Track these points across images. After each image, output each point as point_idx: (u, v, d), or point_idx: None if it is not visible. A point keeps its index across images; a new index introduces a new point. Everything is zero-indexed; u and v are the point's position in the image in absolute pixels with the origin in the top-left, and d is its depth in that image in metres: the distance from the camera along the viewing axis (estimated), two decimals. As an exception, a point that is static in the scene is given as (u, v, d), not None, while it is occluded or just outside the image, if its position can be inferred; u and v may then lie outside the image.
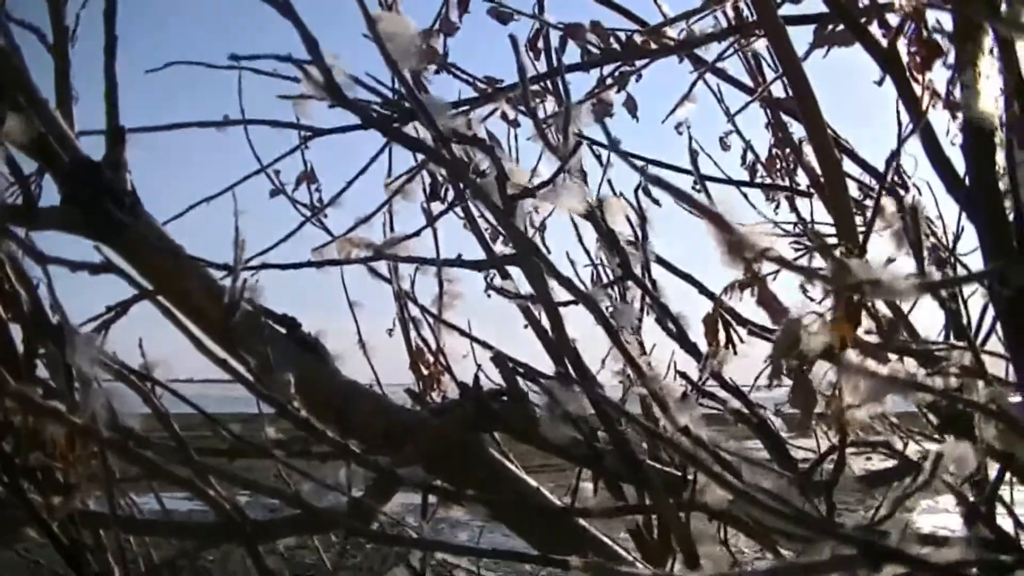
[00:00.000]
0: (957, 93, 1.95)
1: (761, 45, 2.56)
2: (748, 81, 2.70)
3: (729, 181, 2.94)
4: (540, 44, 2.50)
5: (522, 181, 1.75)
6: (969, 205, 1.89)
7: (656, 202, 2.74)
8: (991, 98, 1.80)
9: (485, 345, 2.30)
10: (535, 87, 2.41)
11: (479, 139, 1.78)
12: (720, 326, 1.88)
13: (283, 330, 2.16)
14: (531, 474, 2.24)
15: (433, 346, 2.54)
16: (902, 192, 2.16)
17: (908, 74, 1.80)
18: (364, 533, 2.14)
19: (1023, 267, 1.29)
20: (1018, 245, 1.90)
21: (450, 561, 2.81)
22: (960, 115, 1.83)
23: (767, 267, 1.97)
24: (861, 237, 1.86)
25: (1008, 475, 1.97)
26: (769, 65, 2.68)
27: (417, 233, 2.02)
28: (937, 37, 1.83)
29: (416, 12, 2.57)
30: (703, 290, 2.06)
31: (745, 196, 2.97)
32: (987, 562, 1.50)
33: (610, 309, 1.86)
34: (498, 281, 2.18)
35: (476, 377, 2.13)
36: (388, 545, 2.17)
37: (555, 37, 2.50)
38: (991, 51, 1.76)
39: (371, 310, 2.69)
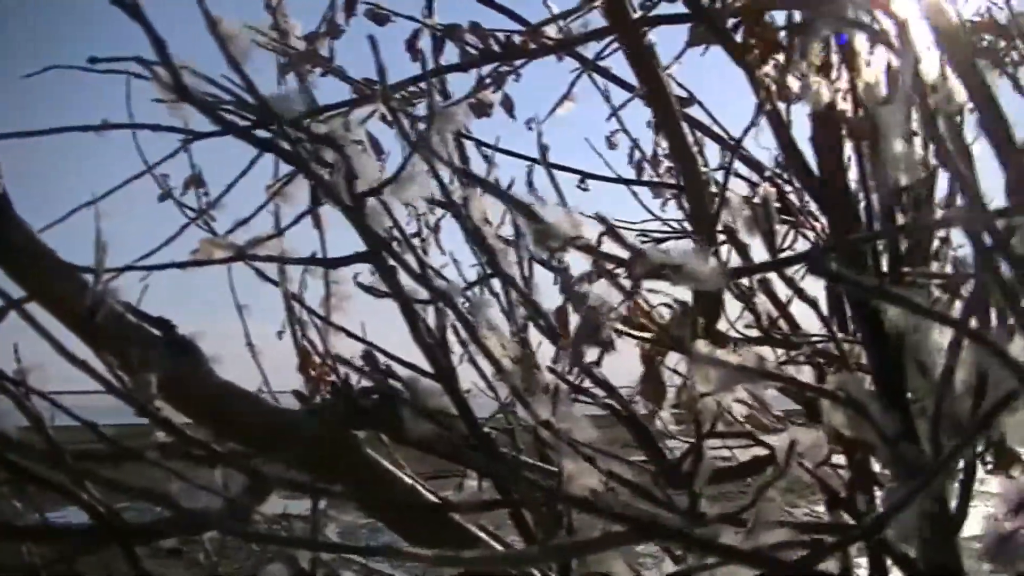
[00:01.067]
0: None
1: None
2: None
3: (614, 179, 2.97)
4: (419, 45, 2.52)
5: (373, 179, 1.77)
6: (818, 197, 1.92)
7: (540, 198, 2.77)
8: (837, 91, 1.83)
9: (371, 345, 2.31)
10: (413, 88, 2.42)
11: (329, 138, 1.79)
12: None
13: (157, 332, 2.16)
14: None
15: (321, 347, 2.54)
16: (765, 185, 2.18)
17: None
18: (239, 533, 2.14)
19: (831, 257, 1.31)
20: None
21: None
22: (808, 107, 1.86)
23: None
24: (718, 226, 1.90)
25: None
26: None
27: (280, 233, 2.02)
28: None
29: (303, 14, 2.56)
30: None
31: (635, 194, 3.00)
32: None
33: (467, 306, 1.88)
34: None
35: (347, 376, 2.14)
36: (263, 544, 2.18)
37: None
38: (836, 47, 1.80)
39: (266, 312, 2.69)
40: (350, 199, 1.73)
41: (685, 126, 2.58)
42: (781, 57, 1.82)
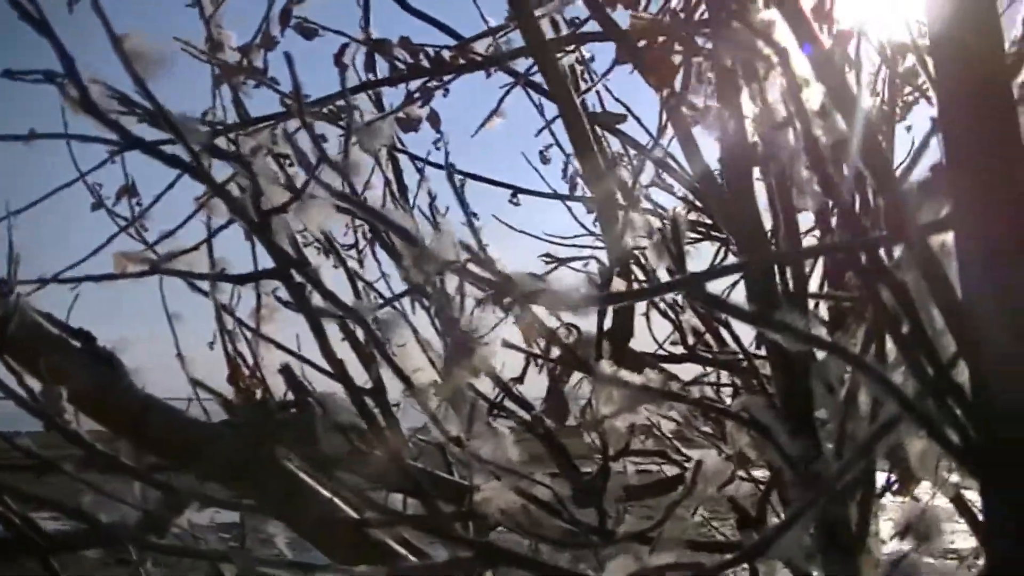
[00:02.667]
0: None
1: (572, 59, 2.60)
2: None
3: (546, 194, 2.98)
4: (347, 59, 2.52)
5: (279, 198, 1.77)
6: (725, 217, 1.93)
7: (474, 215, 2.78)
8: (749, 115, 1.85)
9: (300, 357, 2.31)
10: (341, 102, 2.43)
11: (238, 155, 1.80)
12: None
13: (77, 343, 2.16)
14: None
15: (251, 359, 2.54)
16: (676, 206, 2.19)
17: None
18: (155, 546, 2.14)
19: (703, 282, 1.32)
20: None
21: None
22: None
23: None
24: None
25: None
26: (584, 78, 2.72)
27: (196, 247, 2.02)
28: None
29: (240, 25, 2.57)
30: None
31: (569, 208, 3.01)
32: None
33: (376, 322, 1.89)
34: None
35: (265, 389, 2.14)
36: (179, 557, 2.18)
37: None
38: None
39: (200, 322, 2.69)
40: (256, 216, 1.74)
41: (617, 143, 2.61)
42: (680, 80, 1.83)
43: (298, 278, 1.78)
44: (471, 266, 1.31)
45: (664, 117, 1.97)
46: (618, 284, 1.72)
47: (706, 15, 1.69)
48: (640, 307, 2.66)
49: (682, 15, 1.81)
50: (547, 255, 2.90)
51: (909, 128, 2.76)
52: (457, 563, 1.47)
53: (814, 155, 1.38)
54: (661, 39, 1.73)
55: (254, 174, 1.73)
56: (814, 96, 1.38)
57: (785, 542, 1.45)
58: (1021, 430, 1.23)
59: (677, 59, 1.80)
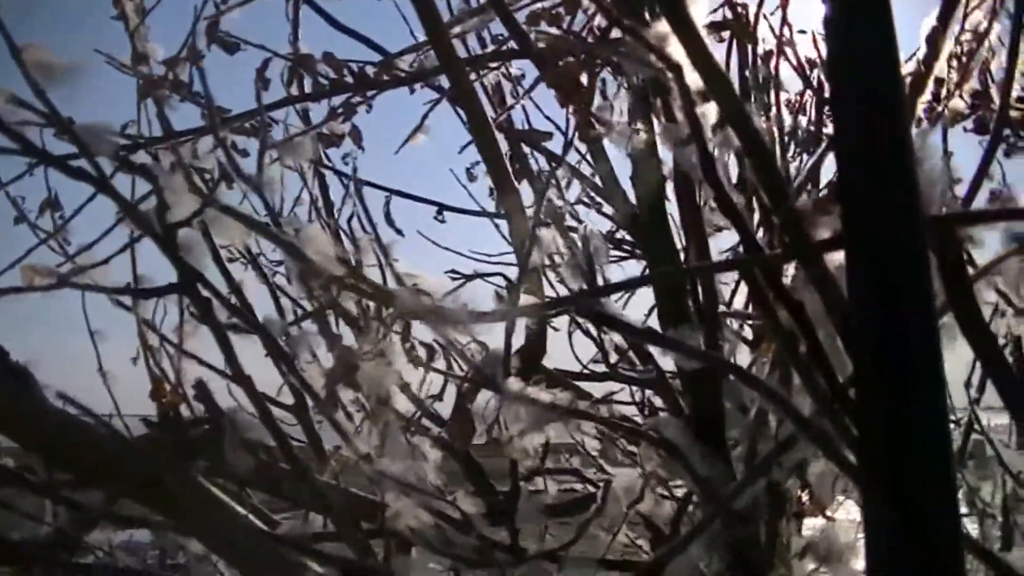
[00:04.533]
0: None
1: (496, 76, 2.60)
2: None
3: (471, 211, 2.97)
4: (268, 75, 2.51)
5: (187, 211, 1.75)
6: (634, 233, 1.93)
7: (399, 232, 2.77)
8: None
9: (222, 373, 2.28)
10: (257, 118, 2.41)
11: (145, 169, 1.78)
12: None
13: (-12, 359, 2.13)
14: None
15: (173, 375, 2.52)
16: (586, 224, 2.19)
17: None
18: (64, 564, 2.11)
19: (594, 298, 1.31)
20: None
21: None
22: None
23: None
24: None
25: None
26: (513, 94, 2.71)
27: (106, 261, 2.00)
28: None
29: (164, 38, 2.54)
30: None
31: (496, 227, 3.00)
32: None
33: (285, 339, 1.87)
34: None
35: (175, 406, 2.12)
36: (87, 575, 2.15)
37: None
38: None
39: (124, 338, 2.66)
40: (162, 230, 1.72)
41: (540, 160, 2.60)
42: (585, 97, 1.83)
43: (204, 292, 1.76)
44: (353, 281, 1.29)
45: (573, 133, 1.97)
46: (526, 301, 1.71)
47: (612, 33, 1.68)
48: (562, 326, 2.66)
49: (596, 33, 1.80)
50: (453, 271, 2.89)
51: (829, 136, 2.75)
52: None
53: (710, 172, 1.37)
54: (567, 57, 1.73)
55: (159, 188, 1.71)
56: (710, 112, 1.37)
57: (683, 560, 1.44)
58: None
59: (585, 76, 1.79)
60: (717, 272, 1.81)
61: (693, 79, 1.35)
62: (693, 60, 1.29)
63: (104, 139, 1.77)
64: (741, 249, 1.78)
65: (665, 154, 1.87)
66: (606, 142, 2.01)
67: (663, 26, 1.34)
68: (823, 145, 2.09)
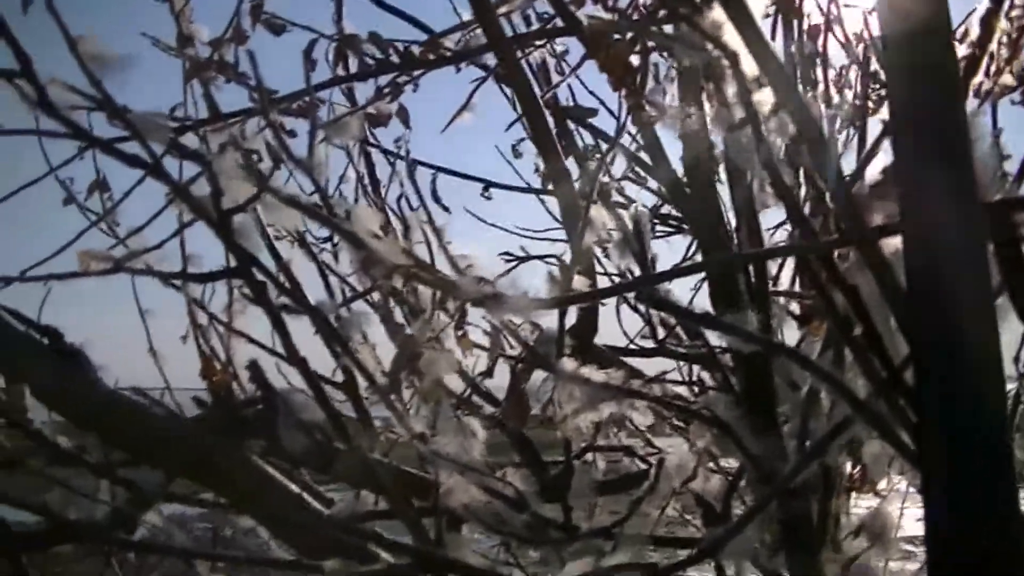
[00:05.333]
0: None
1: (542, 54, 2.60)
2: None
3: (518, 188, 2.97)
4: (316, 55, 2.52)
5: (241, 195, 1.76)
6: (687, 215, 1.93)
7: (446, 209, 2.78)
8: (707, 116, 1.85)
9: (272, 351, 2.31)
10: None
11: (197, 153, 1.79)
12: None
13: (44, 340, 2.16)
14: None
15: (223, 354, 2.54)
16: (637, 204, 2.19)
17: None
18: (121, 543, 2.15)
19: (654, 284, 1.33)
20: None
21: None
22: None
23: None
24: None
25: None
26: (558, 71, 2.71)
27: (160, 245, 2.02)
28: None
29: (209, 19, 2.57)
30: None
31: (542, 202, 3.01)
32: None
33: (338, 320, 1.89)
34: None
35: (230, 386, 2.14)
36: (147, 554, 2.18)
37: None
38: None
39: (173, 317, 2.69)
40: (217, 215, 1.73)
41: (585, 136, 2.61)
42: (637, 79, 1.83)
43: (259, 276, 1.78)
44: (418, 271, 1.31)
45: (626, 116, 1.97)
46: (579, 283, 1.72)
47: (662, 16, 1.68)
48: (609, 301, 2.66)
49: (644, 13, 1.80)
50: (507, 253, 2.90)
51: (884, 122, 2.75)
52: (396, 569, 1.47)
53: (766, 159, 1.37)
54: (617, 39, 1.73)
55: (213, 172, 1.72)
56: (766, 99, 1.38)
57: (739, 541, 1.46)
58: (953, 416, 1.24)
59: (636, 59, 1.80)
60: (773, 258, 1.81)
61: (749, 66, 1.35)
62: (750, 48, 1.29)
63: (157, 125, 1.78)
64: (791, 230, 1.78)
65: (716, 137, 1.88)
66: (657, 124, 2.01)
67: (719, 14, 1.34)
68: (879, 131, 2.08)
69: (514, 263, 2.87)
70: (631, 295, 1.73)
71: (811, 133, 1.31)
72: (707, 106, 1.78)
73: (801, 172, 1.44)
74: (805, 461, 1.46)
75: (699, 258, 2.21)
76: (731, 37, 1.34)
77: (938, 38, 1.31)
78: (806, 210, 1.40)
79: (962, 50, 1.77)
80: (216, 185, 1.73)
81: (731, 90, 1.38)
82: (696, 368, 2.66)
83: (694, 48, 1.46)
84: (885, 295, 1.35)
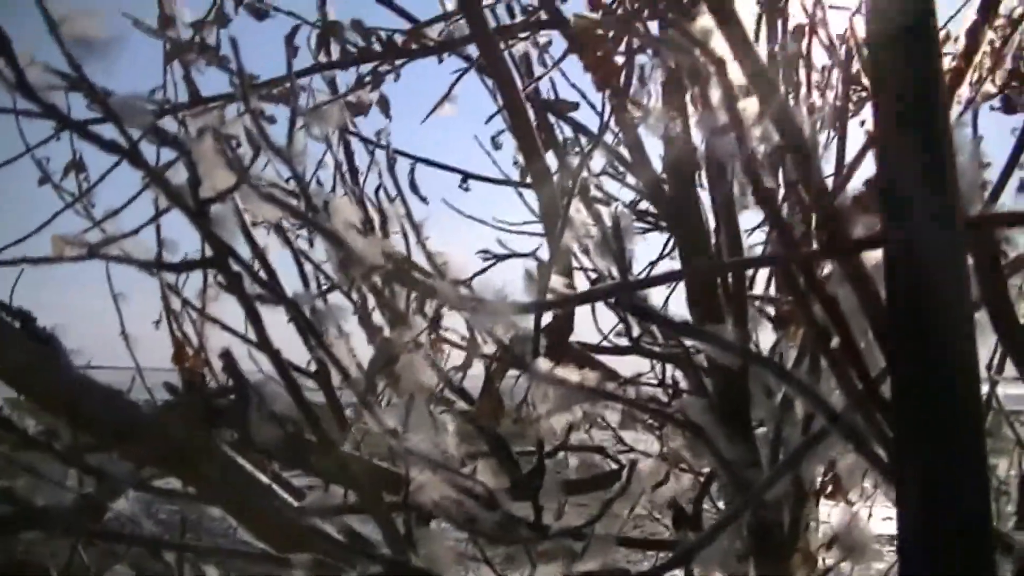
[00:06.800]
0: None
1: (525, 46, 2.58)
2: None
3: (496, 180, 2.96)
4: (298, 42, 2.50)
5: (222, 184, 1.75)
6: (667, 216, 1.92)
7: (424, 200, 2.77)
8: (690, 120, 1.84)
9: (245, 339, 2.29)
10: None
11: (176, 139, 1.78)
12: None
13: (16, 324, 2.14)
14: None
15: (196, 339, 2.53)
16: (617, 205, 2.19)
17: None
18: (89, 531, 2.13)
19: (633, 290, 1.32)
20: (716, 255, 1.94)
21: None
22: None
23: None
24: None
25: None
26: (542, 62, 2.70)
27: (136, 231, 1.99)
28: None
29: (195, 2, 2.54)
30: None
31: (520, 196, 2.99)
32: None
33: (313, 312, 1.88)
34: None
35: (202, 374, 2.13)
36: (113, 543, 2.16)
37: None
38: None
39: (147, 300, 2.67)
40: (194, 204, 1.72)
41: (566, 130, 2.60)
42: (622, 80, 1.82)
43: (235, 267, 1.76)
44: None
45: (609, 115, 1.97)
46: (557, 282, 1.71)
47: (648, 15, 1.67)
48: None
49: (629, 10, 1.79)
50: (485, 251, 2.88)
51: (863, 123, 2.74)
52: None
53: (749, 166, 1.37)
54: (602, 37, 1.72)
55: (191, 160, 1.70)
56: (751, 106, 1.37)
57: (712, 549, 1.45)
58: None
59: (621, 59, 1.79)
60: (753, 267, 1.81)
61: (735, 73, 1.34)
62: (737, 56, 1.28)
63: (135, 109, 1.76)
64: (771, 235, 1.77)
65: (699, 139, 1.87)
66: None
67: (707, 20, 1.33)
68: (863, 142, 2.08)
69: (492, 261, 2.85)
70: (612, 303, 1.71)
71: (795, 142, 1.31)
72: (691, 108, 1.77)
73: (783, 180, 1.43)
74: (779, 473, 1.45)
75: (677, 257, 2.20)
76: (718, 43, 1.33)
77: (924, 45, 1.30)
78: (787, 218, 1.39)
79: (947, 61, 1.77)
80: (194, 173, 1.72)
81: (716, 95, 1.37)
82: (671, 368, 2.66)
83: (680, 50, 1.45)
84: (864, 307, 1.34)
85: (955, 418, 1.28)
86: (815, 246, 1.37)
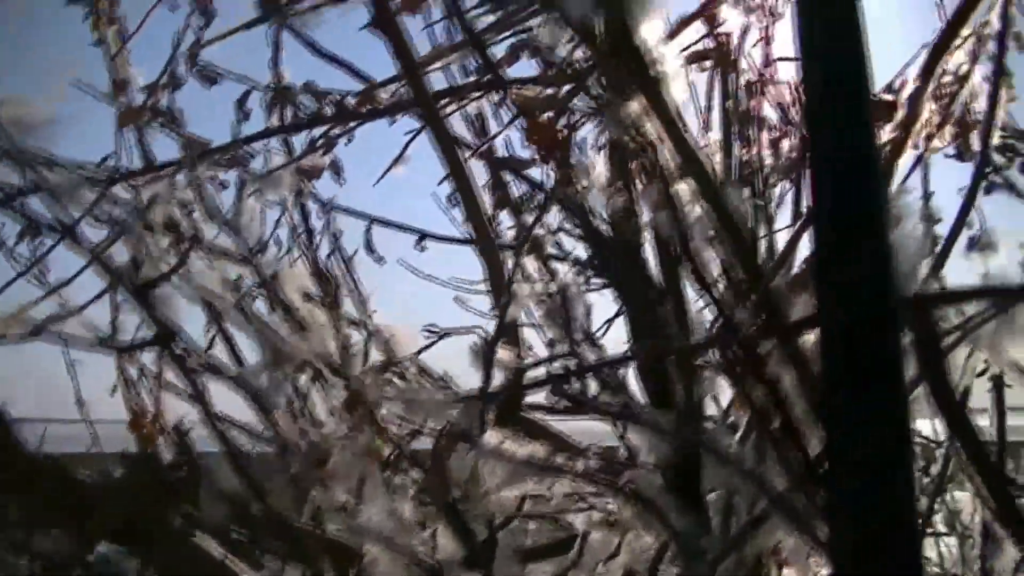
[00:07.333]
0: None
1: (480, 105, 2.57)
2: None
3: (454, 239, 2.94)
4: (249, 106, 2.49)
5: (158, 268, 1.74)
6: (616, 286, 1.93)
7: (380, 260, 2.75)
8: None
9: (204, 405, 2.27)
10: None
11: (114, 221, 1.77)
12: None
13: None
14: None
15: (152, 406, 2.50)
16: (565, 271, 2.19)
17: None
18: (40, 608, 2.11)
19: (564, 382, 1.31)
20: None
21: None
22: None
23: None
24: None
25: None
26: (494, 119, 2.69)
27: (82, 309, 1.98)
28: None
29: (145, 61, 2.52)
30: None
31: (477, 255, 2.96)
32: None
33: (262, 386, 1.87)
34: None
35: (154, 448, 2.11)
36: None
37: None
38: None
39: (103, 366, 2.65)
40: (135, 287, 1.71)
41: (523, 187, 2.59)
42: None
43: (179, 348, 1.75)
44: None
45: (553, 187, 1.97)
46: (503, 355, 1.70)
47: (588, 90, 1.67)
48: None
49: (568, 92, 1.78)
50: (430, 326, 2.85)
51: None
52: None
53: (685, 248, 1.36)
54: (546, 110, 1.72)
55: (134, 240, 1.70)
56: (686, 187, 1.37)
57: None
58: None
59: (563, 131, 1.78)
60: (695, 351, 1.80)
61: (669, 154, 1.34)
62: (669, 142, 1.28)
63: (76, 185, 1.75)
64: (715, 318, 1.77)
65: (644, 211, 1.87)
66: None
67: (640, 103, 1.33)
68: (800, 220, 2.08)
69: (435, 338, 2.81)
70: (549, 392, 1.70)
71: (730, 226, 1.30)
72: (635, 180, 1.77)
73: (720, 262, 1.42)
74: (725, 552, 1.45)
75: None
76: (651, 125, 1.33)
77: (859, 118, 1.29)
78: (725, 300, 1.39)
79: (888, 129, 1.77)
80: (135, 256, 1.71)
81: (653, 174, 1.37)
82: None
83: (620, 126, 1.45)
84: (803, 388, 1.34)
85: (888, 500, 1.27)
86: (755, 327, 1.36)
